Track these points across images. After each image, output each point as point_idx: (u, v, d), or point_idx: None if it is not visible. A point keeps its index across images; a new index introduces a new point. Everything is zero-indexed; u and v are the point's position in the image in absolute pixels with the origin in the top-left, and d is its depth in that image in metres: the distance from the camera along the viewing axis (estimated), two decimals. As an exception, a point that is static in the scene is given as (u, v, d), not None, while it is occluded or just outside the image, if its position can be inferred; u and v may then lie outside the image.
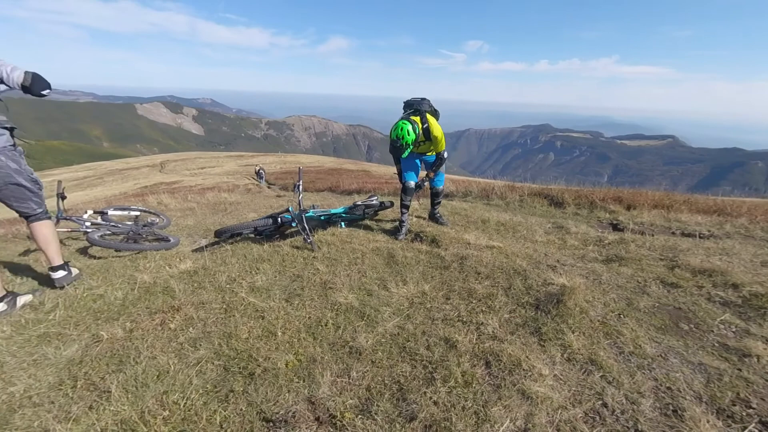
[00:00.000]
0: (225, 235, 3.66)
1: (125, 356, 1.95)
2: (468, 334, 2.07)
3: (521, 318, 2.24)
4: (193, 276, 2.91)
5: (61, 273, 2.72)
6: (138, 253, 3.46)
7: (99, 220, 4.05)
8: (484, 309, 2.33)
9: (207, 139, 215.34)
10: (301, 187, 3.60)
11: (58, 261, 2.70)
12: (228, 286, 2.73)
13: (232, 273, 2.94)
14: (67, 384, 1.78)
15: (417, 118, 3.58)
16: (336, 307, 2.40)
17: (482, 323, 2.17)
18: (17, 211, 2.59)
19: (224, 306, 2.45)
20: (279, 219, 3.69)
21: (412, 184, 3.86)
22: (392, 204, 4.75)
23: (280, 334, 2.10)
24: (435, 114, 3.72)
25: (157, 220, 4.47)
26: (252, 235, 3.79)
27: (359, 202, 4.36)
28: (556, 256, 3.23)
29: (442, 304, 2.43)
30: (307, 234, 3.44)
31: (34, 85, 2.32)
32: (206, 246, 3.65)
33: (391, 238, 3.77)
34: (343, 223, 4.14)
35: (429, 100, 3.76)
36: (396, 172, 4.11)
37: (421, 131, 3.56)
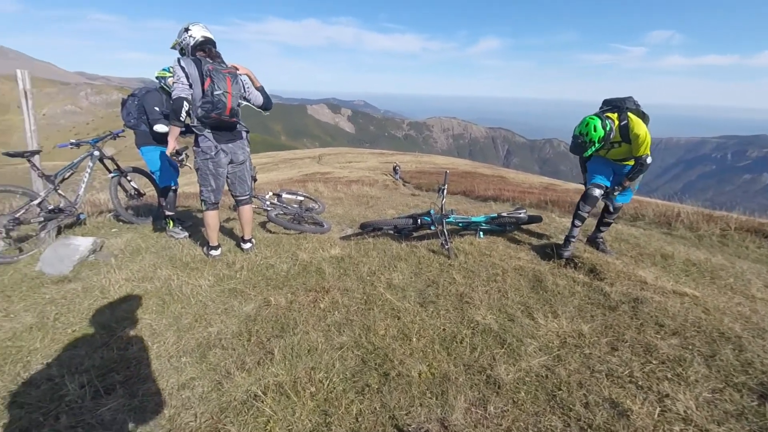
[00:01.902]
0: (368, 229, 3.91)
1: (286, 324, 2.25)
2: (646, 404, 1.61)
3: (733, 405, 1.63)
4: (340, 262, 3.20)
5: (249, 245, 3.49)
6: (300, 233, 4.03)
7: (276, 201, 4.90)
8: (669, 376, 1.79)
9: (356, 137, 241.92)
10: (446, 191, 3.53)
11: (249, 235, 3.50)
12: (368, 278, 2.89)
13: (372, 266, 3.10)
14: (245, 336, 2.16)
15: (614, 115, 3.01)
16: (473, 325, 2.23)
17: (667, 395, 1.66)
18: (234, 193, 3.34)
19: (365, 297, 2.59)
20: (419, 220, 3.71)
21: (596, 192, 3.21)
22: (540, 218, 4.23)
23: (414, 340, 2.08)
24: (642, 116, 3.05)
25: (316, 206, 5.14)
26: (391, 232, 3.95)
27: (504, 213, 4.02)
28: (793, 327, 2.27)
29: (606, 354, 1.98)
30: (446, 239, 3.36)
31: (266, 104, 3.27)
32: (352, 235, 3.98)
33: (536, 257, 3.35)
34: (481, 233, 3.90)
35: (635, 99, 3.11)
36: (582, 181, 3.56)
37: (617, 129, 2.98)
